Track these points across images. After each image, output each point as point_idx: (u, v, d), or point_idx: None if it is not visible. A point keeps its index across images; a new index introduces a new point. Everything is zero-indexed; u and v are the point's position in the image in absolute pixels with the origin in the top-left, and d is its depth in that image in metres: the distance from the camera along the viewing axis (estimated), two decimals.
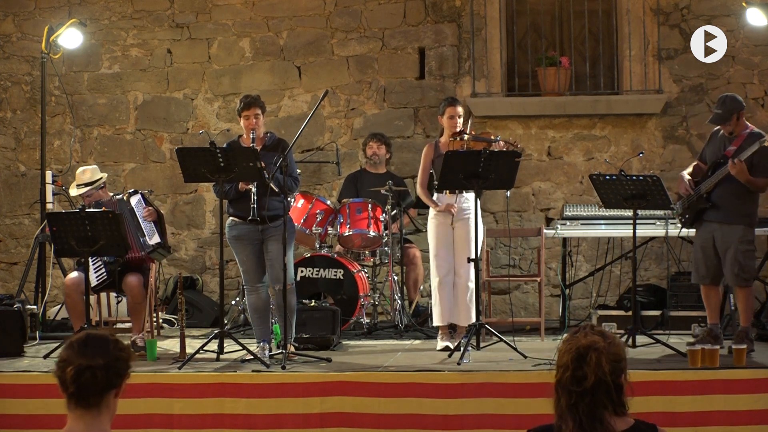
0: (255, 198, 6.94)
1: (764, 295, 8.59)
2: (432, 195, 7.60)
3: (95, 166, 8.07)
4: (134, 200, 7.70)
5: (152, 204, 7.81)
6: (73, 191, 7.92)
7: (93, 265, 7.53)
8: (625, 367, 2.85)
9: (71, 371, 2.76)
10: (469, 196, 7.50)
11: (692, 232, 7.51)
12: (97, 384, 2.77)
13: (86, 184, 7.82)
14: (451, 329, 7.53)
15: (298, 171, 7.54)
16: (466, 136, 7.44)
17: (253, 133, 7.03)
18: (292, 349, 7.00)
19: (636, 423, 2.84)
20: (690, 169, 7.32)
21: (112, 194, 7.91)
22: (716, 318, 7.23)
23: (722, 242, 7.04)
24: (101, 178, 7.89)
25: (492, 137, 7.43)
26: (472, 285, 7.39)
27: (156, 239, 7.61)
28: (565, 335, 2.93)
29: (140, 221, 7.58)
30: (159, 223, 7.71)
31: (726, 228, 7.03)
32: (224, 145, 7.05)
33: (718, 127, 7.20)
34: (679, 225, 7.54)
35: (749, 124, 7.21)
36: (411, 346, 7.73)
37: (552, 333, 8.20)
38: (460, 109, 7.61)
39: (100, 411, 2.80)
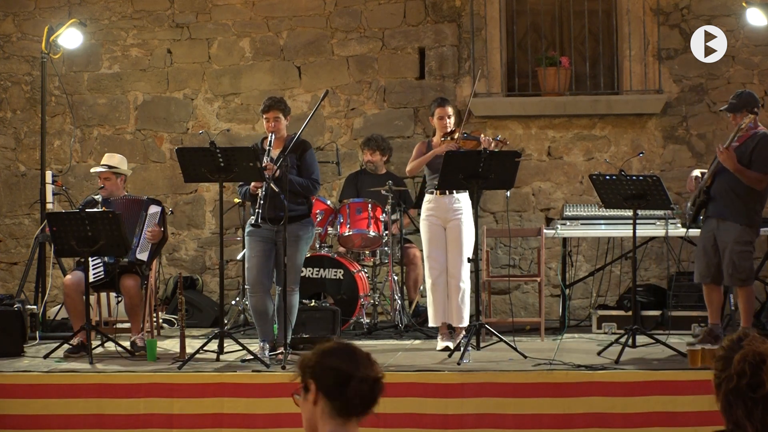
0: (261, 202, 6.93)
1: (764, 295, 8.58)
2: (423, 196, 7.63)
3: (124, 158, 8.06)
4: (152, 210, 7.64)
5: (165, 225, 7.76)
6: (93, 169, 7.88)
7: (92, 262, 7.50)
8: None
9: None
10: (461, 197, 7.50)
11: (693, 232, 7.50)
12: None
13: (108, 166, 7.80)
14: (451, 329, 7.53)
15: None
16: (456, 136, 7.45)
17: (271, 135, 7.10)
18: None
19: None
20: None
21: (126, 193, 7.89)
22: (717, 318, 7.22)
23: (721, 240, 7.03)
24: (124, 171, 7.88)
25: (482, 136, 7.44)
26: (463, 285, 7.39)
27: (143, 257, 7.56)
28: (724, 343, 2.95)
29: (143, 233, 7.55)
30: (158, 245, 7.68)
31: (723, 225, 7.01)
32: (250, 146, 7.14)
33: None
34: (680, 225, 7.52)
35: (761, 125, 7.16)
36: (411, 346, 7.73)
37: (552, 333, 8.19)
38: (449, 110, 7.63)
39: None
